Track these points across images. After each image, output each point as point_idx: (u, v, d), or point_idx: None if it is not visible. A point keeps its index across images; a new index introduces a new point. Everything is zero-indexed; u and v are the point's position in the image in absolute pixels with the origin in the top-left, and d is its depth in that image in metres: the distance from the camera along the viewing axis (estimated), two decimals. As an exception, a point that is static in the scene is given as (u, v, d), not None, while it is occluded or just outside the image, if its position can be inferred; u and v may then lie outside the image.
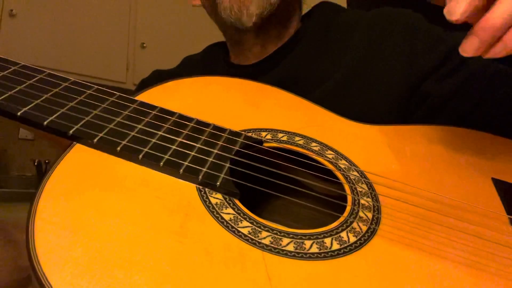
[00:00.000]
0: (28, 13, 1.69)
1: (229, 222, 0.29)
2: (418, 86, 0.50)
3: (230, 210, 0.30)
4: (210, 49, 0.65)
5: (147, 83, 0.65)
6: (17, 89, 0.36)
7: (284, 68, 0.54)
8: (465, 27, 0.30)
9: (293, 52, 0.55)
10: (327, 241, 0.29)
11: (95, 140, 0.32)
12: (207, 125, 0.38)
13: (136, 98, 0.39)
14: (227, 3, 0.49)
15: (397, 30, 0.52)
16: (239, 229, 0.29)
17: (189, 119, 0.38)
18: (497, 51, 0.28)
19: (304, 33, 0.56)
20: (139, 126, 0.35)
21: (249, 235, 0.28)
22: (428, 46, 0.50)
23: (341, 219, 0.32)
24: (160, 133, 0.35)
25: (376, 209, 0.33)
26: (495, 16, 0.27)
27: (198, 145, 0.35)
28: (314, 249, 0.28)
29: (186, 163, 0.32)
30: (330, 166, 0.37)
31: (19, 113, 0.33)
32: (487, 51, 0.29)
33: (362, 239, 0.30)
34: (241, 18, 0.49)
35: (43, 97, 0.35)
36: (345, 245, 0.29)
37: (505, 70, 0.47)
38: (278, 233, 0.29)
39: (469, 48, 0.29)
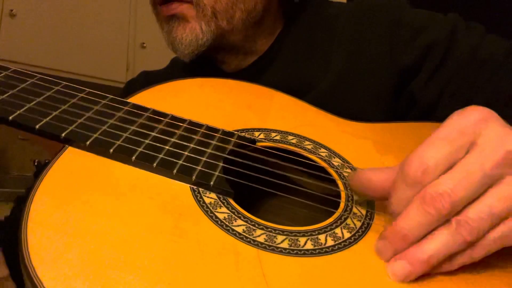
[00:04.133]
0: (28, 13, 1.68)
1: (224, 221, 0.29)
2: (403, 86, 0.49)
3: (224, 209, 0.30)
4: None
5: (134, 84, 0.64)
6: (8, 94, 0.35)
7: (268, 80, 0.52)
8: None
9: (275, 61, 0.53)
10: (322, 237, 0.29)
11: (88, 142, 0.32)
12: (200, 125, 0.38)
13: (129, 100, 0.39)
14: (166, 39, 0.52)
15: (379, 26, 0.50)
16: (233, 227, 0.29)
17: (182, 120, 0.38)
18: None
19: (285, 37, 0.54)
20: (132, 128, 0.35)
21: (244, 233, 0.28)
22: (409, 39, 0.48)
23: (336, 215, 0.32)
24: (153, 134, 0.35)
25: (370, 205, 0.33)
26: (431, 254, 0.26)
27: (191, 145, 0.35)
28: (309, 245, 0.28)
29: (180, 162, 0.32)
30: (324, 164, 0.37)
31: (11, 117, 0.33)
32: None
33: (356, 234, 0.30)
34: (178, 54, 0.51)
35: (35, 101, 0.35)
36: (340, 241, 0.29)
37: (495, 55, 0.46)
38: (273, 231, 0.29)
39: (400, 275, 0.27)
